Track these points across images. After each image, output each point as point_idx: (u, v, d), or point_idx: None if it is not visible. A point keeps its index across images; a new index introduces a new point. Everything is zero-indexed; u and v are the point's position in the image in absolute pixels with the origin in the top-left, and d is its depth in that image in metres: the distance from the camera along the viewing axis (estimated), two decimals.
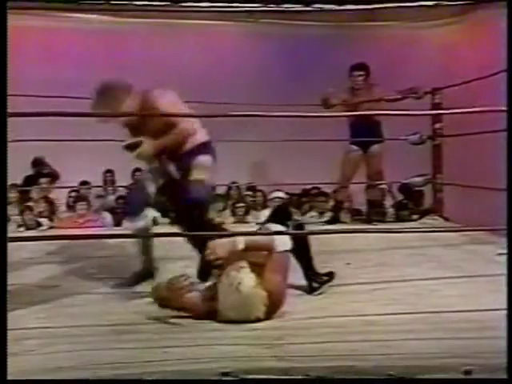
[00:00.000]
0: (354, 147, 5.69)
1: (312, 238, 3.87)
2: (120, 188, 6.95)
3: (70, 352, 2.43)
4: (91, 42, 7.94)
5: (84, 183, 7.00)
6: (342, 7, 7.71)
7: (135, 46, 8.14)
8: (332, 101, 5.49)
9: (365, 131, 5.52)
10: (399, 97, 5.47)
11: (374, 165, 5.71)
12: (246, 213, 6.58)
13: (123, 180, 6.99)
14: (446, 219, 5.79)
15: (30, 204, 6.26)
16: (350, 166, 5.71)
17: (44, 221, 6.11)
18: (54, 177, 7.08)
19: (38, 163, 7.20)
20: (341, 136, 5.78)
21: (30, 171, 7.13)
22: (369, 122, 5.48)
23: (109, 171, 7.19)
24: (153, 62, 7.92)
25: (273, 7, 8.01)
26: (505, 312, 2.77)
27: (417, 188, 6.24)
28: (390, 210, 7.07)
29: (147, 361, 2.34)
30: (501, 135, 4.78)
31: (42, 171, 7.12)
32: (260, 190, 7.00)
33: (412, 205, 6.82)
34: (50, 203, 6.50)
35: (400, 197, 7.05)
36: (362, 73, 5.63)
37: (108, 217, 6.45)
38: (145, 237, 3.50)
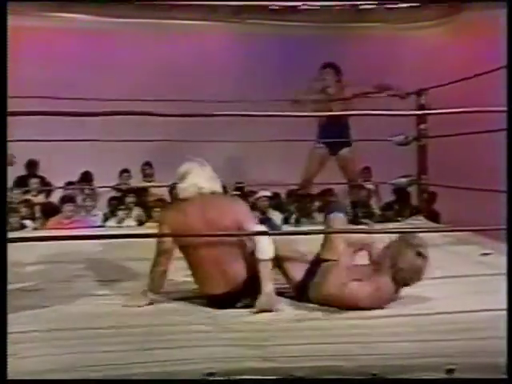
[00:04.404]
0: (320, 145, 5.67)
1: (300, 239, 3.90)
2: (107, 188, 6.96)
3: (55, 355, 2.43)
4: (80, 41, 7.94)
5: (69, 184, 6.98)
6: (328, 3, 7.79)
7: (122, 46, 8.13)
8: (300, 99, 5.42)
9: (333, 132, 5.50)
10: (371, 91, 5.45)
11: (349, 169, 5.69)
12: None
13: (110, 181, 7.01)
14: (434, 220, 5.84)
15: (14, 206, 6.23)
16: (315, 163, 5.68)
17: (28, 222, 6.09)
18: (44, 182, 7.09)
19: (31, 165, 7.17)
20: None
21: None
22: (338, 123, 5.47)
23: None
24: (140, 61, 7.93)
25: (259, 3, 8.07)
26: (489, 313, 2.84)
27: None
28: (377, 211, 7.13)
29: (133, 362, 2.34)
30: (490, 136, 4.85)
31: (34, 173, 7.12)
32: (254, 191, 6.99)
33: (399, 206, 6.87)
34: (35, 205, 6.49)
35: (391, 197, 7.12)
36: (331, 72, 5.60)
37: (99, 214, 6.46)
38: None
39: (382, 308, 2.99)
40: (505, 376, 2.27)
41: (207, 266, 3.08)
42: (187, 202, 3.18)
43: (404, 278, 3.03)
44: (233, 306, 3.06)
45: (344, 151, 5.66)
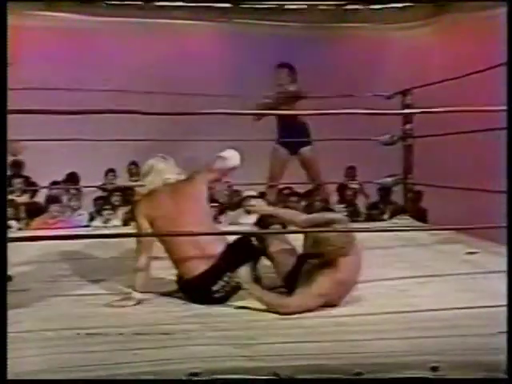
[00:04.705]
0: (280, 148, 5.67)
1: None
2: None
3: (40, 356, 2.41)
4: (63, 40, 7.90)
5: (54, 183, 6.94)
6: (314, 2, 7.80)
7: (109, 45, 8.10)
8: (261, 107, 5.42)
9: (293, 132, 5.50)
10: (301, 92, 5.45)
11: (311, 168, 5.66)
12: (221, 212, 6.58)
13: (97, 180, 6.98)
14: (421, 219, 5.87)
15: None
16: (276, 164, 5.67)
17: (13, 223, 6.05)
18: (29, 182, 7.04)
19: (16, 165, 7.11)
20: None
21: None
22: (295, 123, 5.45)
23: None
24: (126, 60, 7.90)
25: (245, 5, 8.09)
26: (474, 311, 2.86)
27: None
28: (363, 210, 7.17)
29: (118, 363, 2.33)
30: (474, 136, 4.89)
31: (19, 173, 7.06)
32: (236, 190, 7.00)
33: (385, 205, 6.90)
34: (19, 205, 6.44)
35: (377, 197, 7.14)
36: (286, 72, 5.59)
37: (84, 214, 6.43)
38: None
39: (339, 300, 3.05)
40: (505, 376, 2.28)
41: (184, 245, 3.17)
42: (156, 192, 3.34)
43: (336, 251, 3.01)
44: (212, 286, 3.14)
45: (304, 150, 5.63)
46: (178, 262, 3.23)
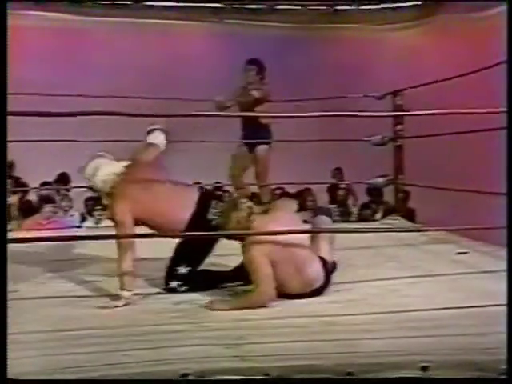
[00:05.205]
0: (242, 147, 5.68)
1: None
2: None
3: (29, 358, 2.40)
4: (54, 40, 7.87)
5: (45, 184, 6.92)
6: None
7: (99, 45, 8.08)
8: (226, 103, 5.40)
9: (253, 132, 5.49)
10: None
11: (258, 166, 5.60)
12: None
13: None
14: (409, 219, 5.89)
15: None
16: (236, 165, 5.66)
17: None
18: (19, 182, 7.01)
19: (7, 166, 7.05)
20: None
21: None
22: (257, 124, 5.45)
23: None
24: (117, 61, 7.89)
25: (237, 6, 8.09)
26: (464, 310, 2.87)
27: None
28: (354, 210, 7.19)
29: (108, 364, 2.32)
30: (465, 137, 4.91)
31: (9, 174, 7.02)
32: (227, 191, 6.99)
33: (376, 205, 6.92)
34: (9, 206, 6.40)
35: (366, 198, 7.15)
36: (253, 68, 5.57)
37: (76, 215, 6.41)
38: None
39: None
40: (502, 376, 2.29)
41: (169, 210, 3.35)
42: (119, 188, 3.38)
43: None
44: (207, 214, 3.38)
45: (258, 148, 5.58)
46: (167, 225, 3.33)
